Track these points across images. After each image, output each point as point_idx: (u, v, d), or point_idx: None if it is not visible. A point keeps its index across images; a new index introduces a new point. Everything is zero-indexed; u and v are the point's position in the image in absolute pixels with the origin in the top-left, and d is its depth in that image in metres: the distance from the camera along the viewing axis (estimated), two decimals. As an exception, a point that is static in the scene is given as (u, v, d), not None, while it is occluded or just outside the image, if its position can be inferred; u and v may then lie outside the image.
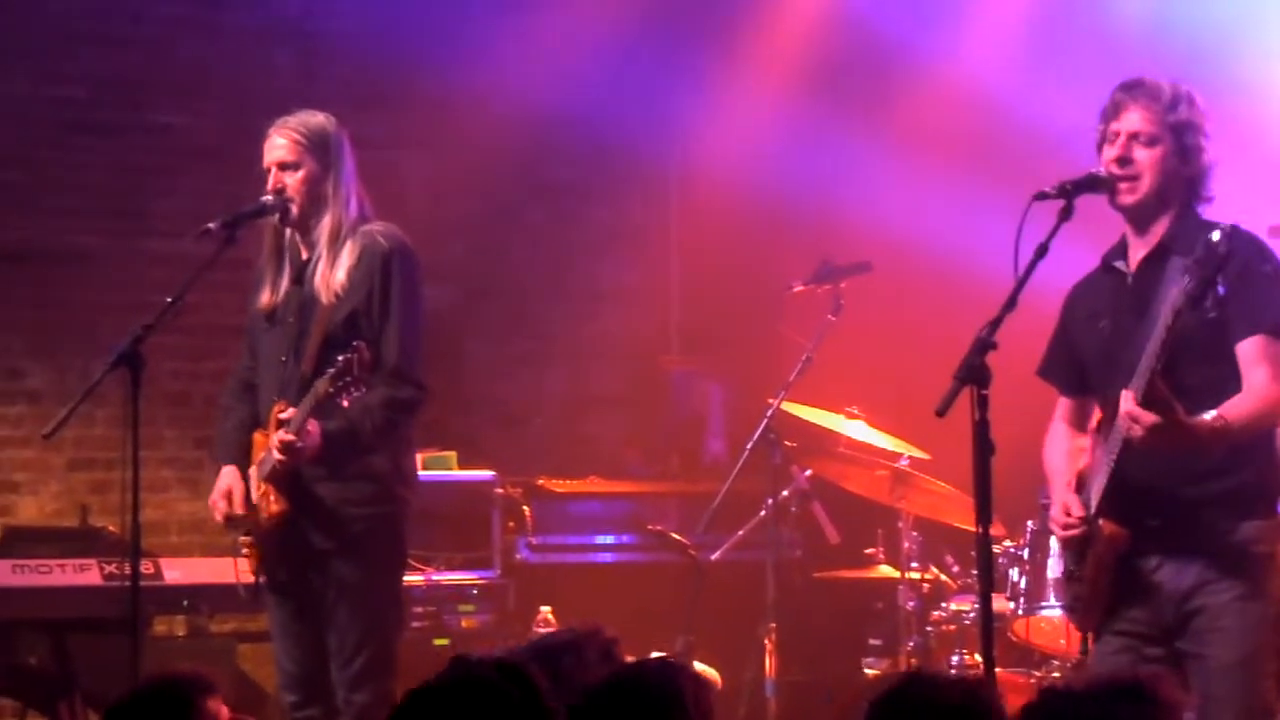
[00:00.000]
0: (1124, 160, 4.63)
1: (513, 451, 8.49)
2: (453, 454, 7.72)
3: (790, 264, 7.38)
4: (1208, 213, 4.68)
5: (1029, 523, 6.12)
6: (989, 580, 4.35)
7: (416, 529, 5.74)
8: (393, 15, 8.62)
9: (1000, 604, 6.09)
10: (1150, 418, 4.32)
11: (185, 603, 6.83)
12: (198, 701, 3.72)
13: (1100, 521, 4.57)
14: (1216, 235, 4.20)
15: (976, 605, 6.45)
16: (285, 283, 5.57)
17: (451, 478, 7.63)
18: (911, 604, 6.80)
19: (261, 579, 5.56)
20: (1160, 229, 4.66)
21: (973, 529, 4.40)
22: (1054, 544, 5.82)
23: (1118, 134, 4.65)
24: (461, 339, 8.86)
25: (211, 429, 5.78)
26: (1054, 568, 5.93)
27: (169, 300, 5.46)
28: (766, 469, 6.97)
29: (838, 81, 8.40)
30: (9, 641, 6.75)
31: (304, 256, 5.56)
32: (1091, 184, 4.62)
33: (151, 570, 6.71)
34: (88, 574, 6.68)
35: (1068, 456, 4.84)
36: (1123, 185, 4.64)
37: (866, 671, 7.05)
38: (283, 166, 5.52)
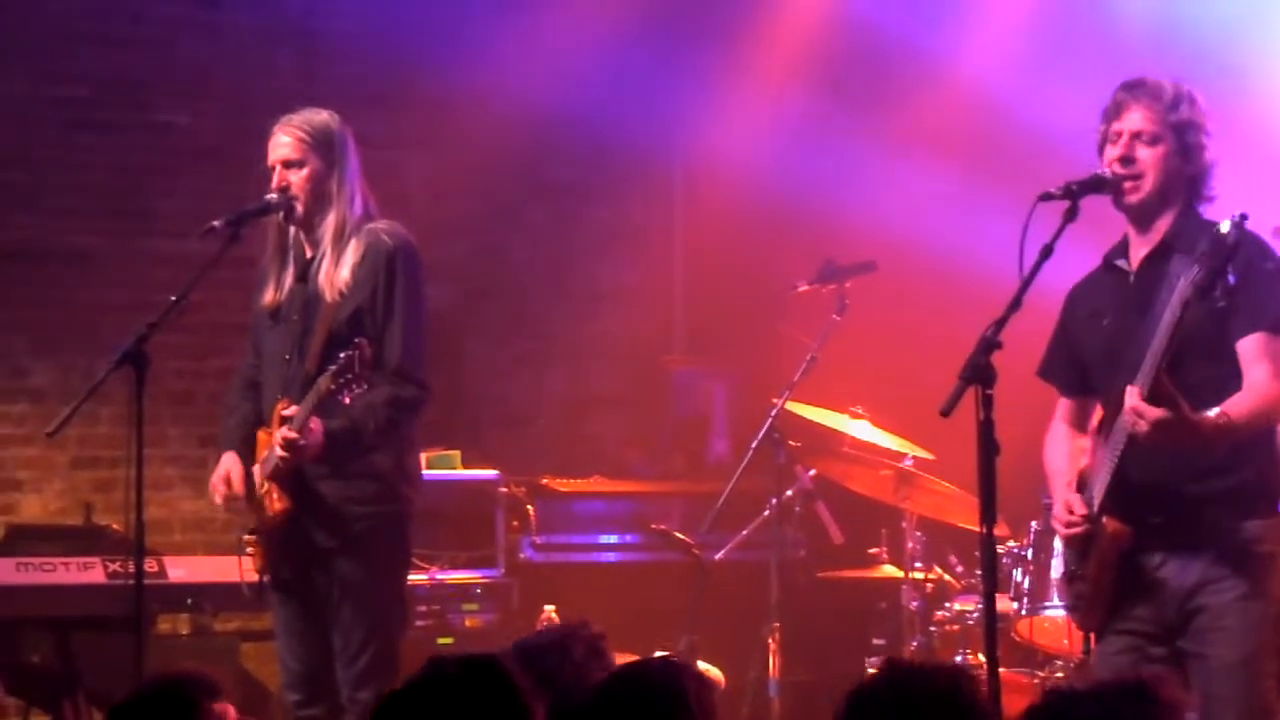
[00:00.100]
0: (1126, 159, 4.64)
1: (516, 451, 8.49)
2: (457, 453, 7.72)
3: (794, 264, 7.37)
4: (1209, 212, 4.69)
5: (1033, 523, 6.12)
6: (993, 580, 4.34)
7: (421, 528, 5.74)
8: (393, 15, 8.62)
9: (1004, 604, 6.08)
10: (1156, 413, 4.32)
11: (189, 601, 6.85)
12: (203, 704, 3.68)
13: (1103, 519, 4.57)
14: (1226, 225, 4.21)
15: (980, 605, 6.44)
16: (289, 281, 5.57)
17: (456, 477, 7.64)
18: (915, 604, 6.79)
19: (265, 577, 5.56)
20: (1162, 227, 4.67)
21: (976, 529, 4.40)
22: (1057, 544, 5.81)
23: (1120, 133, 4.66)
24: (463, 339, 8.85)
25: (215, 427, 5.79)
26: (1057, 568, 5.93)
27: (173, 299, 5.47)
28: (771, 469, 6.97)
29: (841, 81, 8.40)
30: (13, 640, 6.75)
31: (308, 254, 5.56)
32: (1097, 185, 4.63)
33: (155, 569, 6.72)
34: (91, 572, 6.69)
35: (1068, 457, 4.85)
36: (1126, 185, 4.65)
37: (870, 671, 7.04)
38: (287, 164, 5.52)
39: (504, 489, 7.68)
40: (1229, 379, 4.52)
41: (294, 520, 5.43)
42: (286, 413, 5.37)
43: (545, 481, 8.01)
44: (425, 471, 6.62)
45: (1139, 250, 4.71)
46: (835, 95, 8.38)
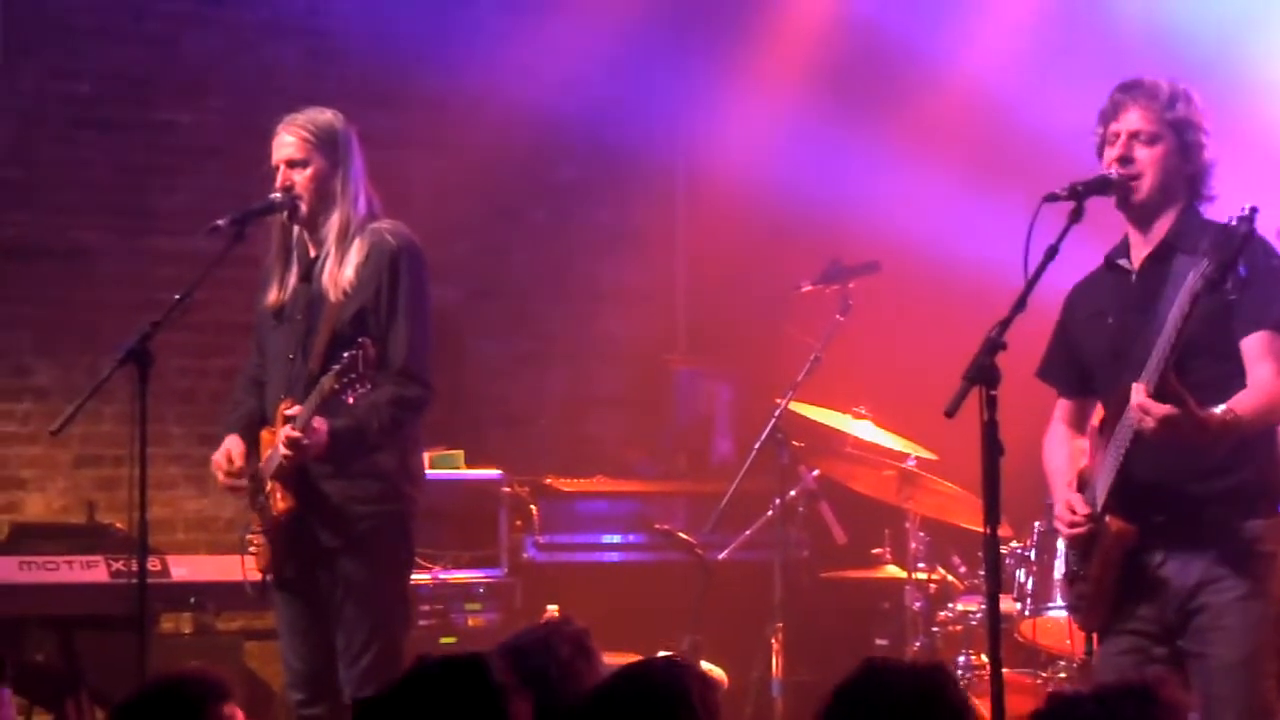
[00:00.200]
0: (1125, 160, 4.64)
1: (519, 451, 8.49)
2: (460, 453, 7.72)
3: (797, 264, 7.37)
4: (1210, 211, 4.70)
5: (1036, 523, 6.12)
6: (997, 581, 4.33)
7: (424, 527, 5.74)
8: (397, 14, 8.62)
9: (1007, 605, 6.08)
10: (1162, 409, 4.32)
11: (192, 600, 6.84)
12: (211, 707, 3.63)
13: (1107, 518, 4.57)
14: (1235, 219, 4.21)
15: (983, 606, 6.44)
16: (293, 280, 5.57)
17: (459, 476, 7.64)
18: (918, 604, 6.79)
19: (268, 576, 5.56)
20: (1164, 227, 4.67)
21: (979, 530, 4.40)
22: (1060, 545, 5.81)
23: (1118, 134, 4.67)
24: (466, 338, 8.85)
25: (218, 426, 5.78)
26: (1060, 568, 5.92)
27: (177, 297, 5.46)
28: (774, 469, 6.97)
29: (844, 82, 8.40)
30: (16, 639, 6.74)
31: (312, 254, 5.56)
32: (1102, 186, 4.63)
33: (158, 567, 6.72)
34: (95, 571, 6.68)
35: (1068, 457, 4.85)
36: (1129, 184, 4.65)
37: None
38: (291, 164, 5.52)
39: (507, 489, 7.68)
40: (1233, 377, 4.52)
41: (298, 519, 5.43)
42: (290, 412, 5.37)
43: (548, 481, 8.01)
44: (428, 471, 6.61)
45: (1141, 250, 4.71)
46: (838, 96, 8.37)
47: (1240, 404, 4.44)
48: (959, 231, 7.65)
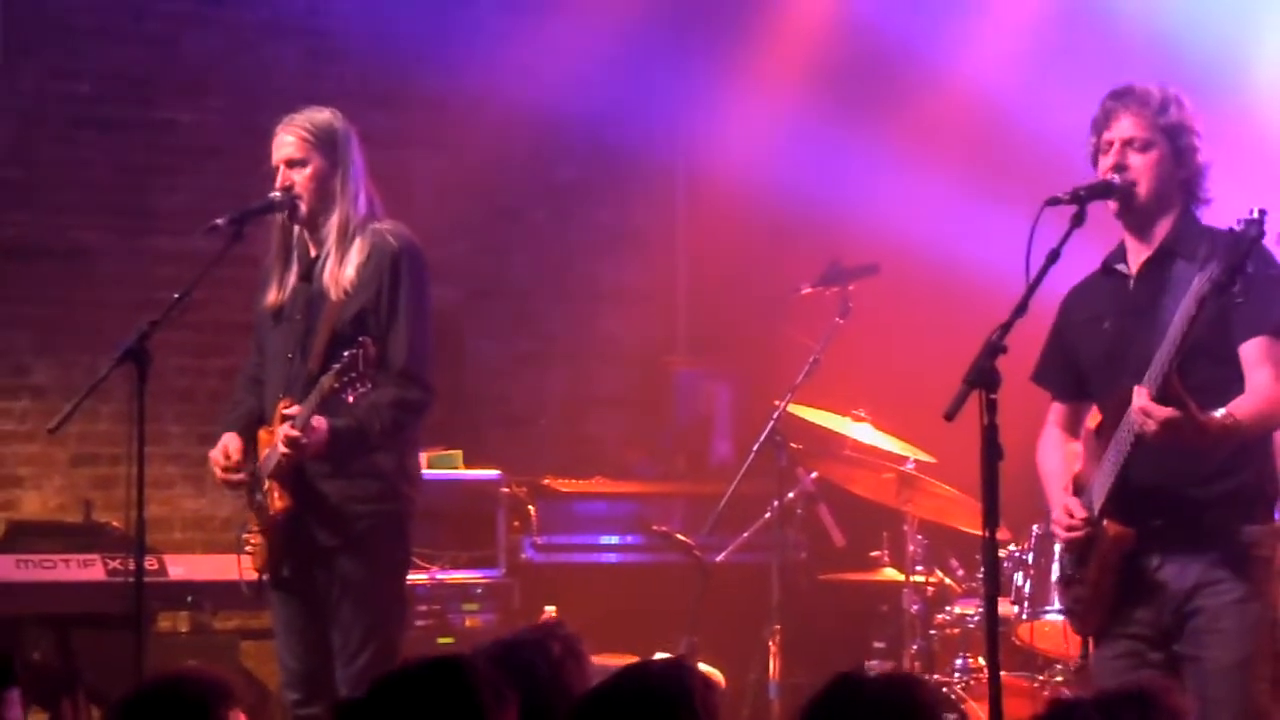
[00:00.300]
0: (1120, 167, 4.64)
1: (518, 451, 8.49)
2: (458, 453, 7.72)
3: (797, 266, 7.36)
4: (1206, 215, 4.70)
5: (1034, 527, 6.11)
6: (995, 584, 4.33)
7: (422, 527, 5.74)
8: (397, 14, 8.62)
9: (1004, 608, 6.07)
10: (1165, 412, 4.32)
11: (189, 599, 6.84)
12: (216, 713, 3.52)
13: (1104, 522, 4.57)
14: (1243, 222, 4.20)
15: (981, 609, 6.44)
16: (293, 280, 5.57)
17: (457, 476, 7.64)
18: (916, 607, 6.78)
19: (265, 576, 5.55)
20: (1161, 233, 4.68)
21: (978, 533, 4.39)
22: (1059, 548, 5.81)
23: (1111, 142, 4.67)
24: (465, 339, 8.85)
25: (216, 426, 5.78)
26: (1057, 572, 5.92)
27: (176, 296, 5.47)
28: (772, 471, 6.96)
29: (845, 84, 8.39)
30: (12, 637, 6.74)
31: (312, 254, 5.56)
32: (1105, 191, 4.63)
33: (155, 566, 6.72)
34: (92, 570, 6.68)
35: (1063, 461, 4.85)
36: (1131, 190, 4.65)
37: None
38: (290, 164, 5.52)
39: (505, 489, 7.68)
40: (1232, 381, 4.52)
41: (295, 519, 5.43)
42: (289, 411, 5.37)
43: (547, 482, 8.01)
44: (427, 471, 6.63)
45: (1138, 255, 4.71)
46: (839, 98, 8.37)
47: (1239, 408, 4.44)
48: (959, 234, 7.65)
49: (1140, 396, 4.36)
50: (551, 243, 9.15)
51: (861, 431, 6.98)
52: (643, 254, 9.25)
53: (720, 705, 3.51)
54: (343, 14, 8.66)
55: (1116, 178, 4.64)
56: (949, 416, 4.22)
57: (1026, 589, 6.12)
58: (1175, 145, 4.65)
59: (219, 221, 5.51)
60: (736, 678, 7.05)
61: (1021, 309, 4.36)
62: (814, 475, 7.09)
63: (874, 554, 7.22)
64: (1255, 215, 4.23)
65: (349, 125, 5.58)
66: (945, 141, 7.95)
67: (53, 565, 6.67)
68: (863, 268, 6.98)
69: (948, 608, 6.89)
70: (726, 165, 8.73)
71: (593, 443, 8.97)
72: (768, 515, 7.01)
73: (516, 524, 7.72)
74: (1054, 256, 4.40)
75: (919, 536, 6.86)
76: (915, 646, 6.75)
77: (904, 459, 6.90)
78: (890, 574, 7.09)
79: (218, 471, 5.60)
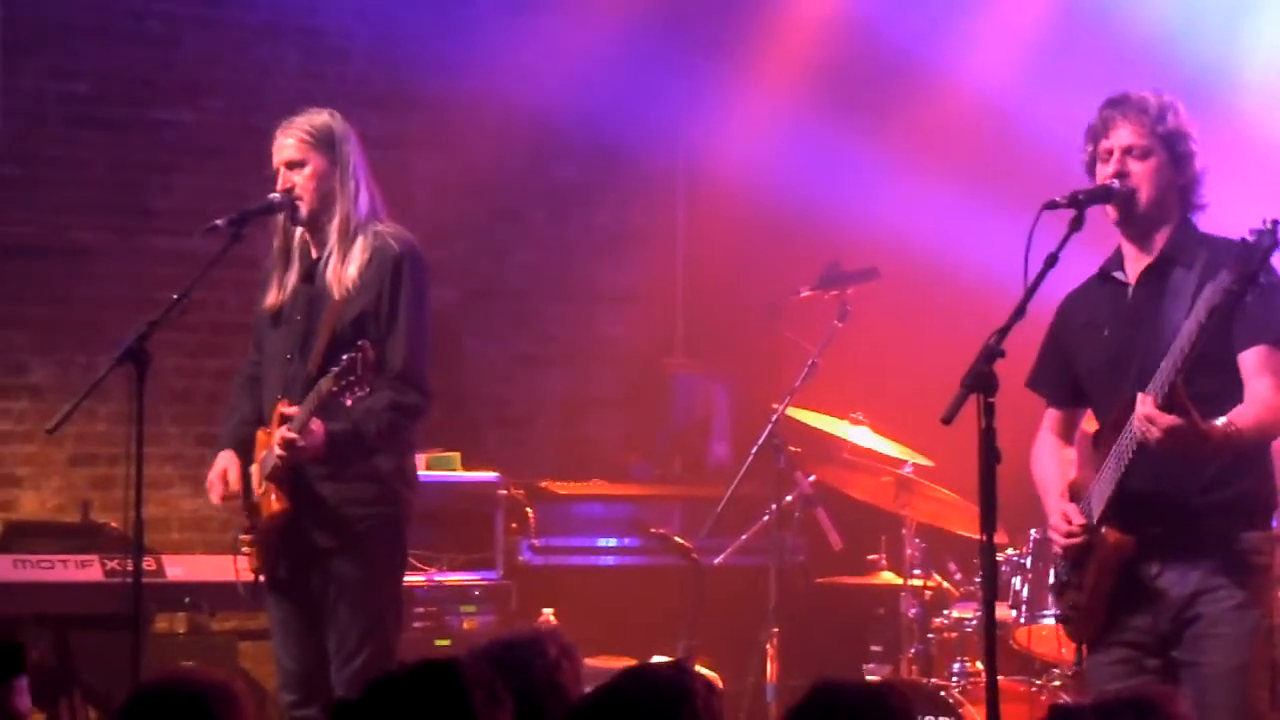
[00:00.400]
0: (1121, 175, 4.64)
1: (515, 453, 8.49)
2: (456, 455, 7.71)
3: (796, 269, 7.37)
4: (1202, 220, 4.71)
5: (1032, 531, 6.11)
6: (993, 588, 4.33)
7: (419, 529, 5.74)
8: (397, 15, 8.62)
9: (1002, 612, 6.07)
10: (1169, 420, 4.31)
11: (187, 600, 6.83)
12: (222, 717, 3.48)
13: (1104, 530, 4.57)
14: (1255, 232, 4.19)
15: (978, 613, 6.44)
16: (293, 281, 5.56)
17: (455, 478, 7.63)
18: (913, 611, 6.79)
19: (261, 577, 5.55)
20: (1160, 240, 4.67)
21: (976, 536, 4.39)
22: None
23: (1111, 150, 4.66)
24: (463, 340, 8.85)
25: (215, 426, 5.79)
26: (1054, 577, 5.92)
27: (175, 297, 5.46)
28: (770, 474, 6.97)
29: (844, 86, 8.40)
30: (11, 636, 6.73)
31: (314, 255, 5.56)
32: (1104, 195, 4.63)
33: (153, 567, 6.71)
34: (89, 570, 6.67)
35: (1058, 467, 4.85)
36: (1133, 196, 4.64)
37: (868, 678, 7.04)
38: (290, 165, 5.53)
39: (503, 491, 7.67)
40: (1232, 389, 4.52)
41: (292, 521, 5.42)
42: (287, 412, 5.36)
43: (544, 484, 8.01)
44: (425, 473, 6.63)
45: (1137, 262, 4.71)
46: (838, 101, 8.37)
47: (1241, 417, 4.44)
48: (957, 238, 7.65)
49: (1145, 404, 4.35)
50: (551, 244, 9.14)
51: (859, 435, 6.98)
52: (641, 255, 9.24)
53: (722, 708, 3.52)
54: (342, 14, 8.66)
55: (1116, 183, 4.63)
56: (947, 420, 4.21)
57: (1024, 593, 6.12)
58: (1173, 152, 4.65)
59: (218, 222, 5.51)
60: (734, 681, 7.03)
61: (1020, 313, 4.36)
62: (812, 478, 7.09)
63: (872, 557, 7.21)
64: (1268, 226, 4.21)
65: (347, 126, 5.58)
66: (944, 145, 7.95)
67: (50, 565, 6.66)
68: (861, 271, 6.98)
69: (945, 611, 6.89)
70: (726, 167, 8.73)
71: (590, 445, 8.97)
72: (765, 518, 7.02)
73: (514, 526, 7.71)
74: (1052, 260, 4.39)
75: (917, 540, 6.86)
76: (913, 650, 6.75)
77: (902, 462, 6.90)
78: (888, 577, 7.09)
79: (214, 498, 5.60)
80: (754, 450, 6.93)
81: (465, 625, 7.31)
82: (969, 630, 6.73)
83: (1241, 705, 4.53)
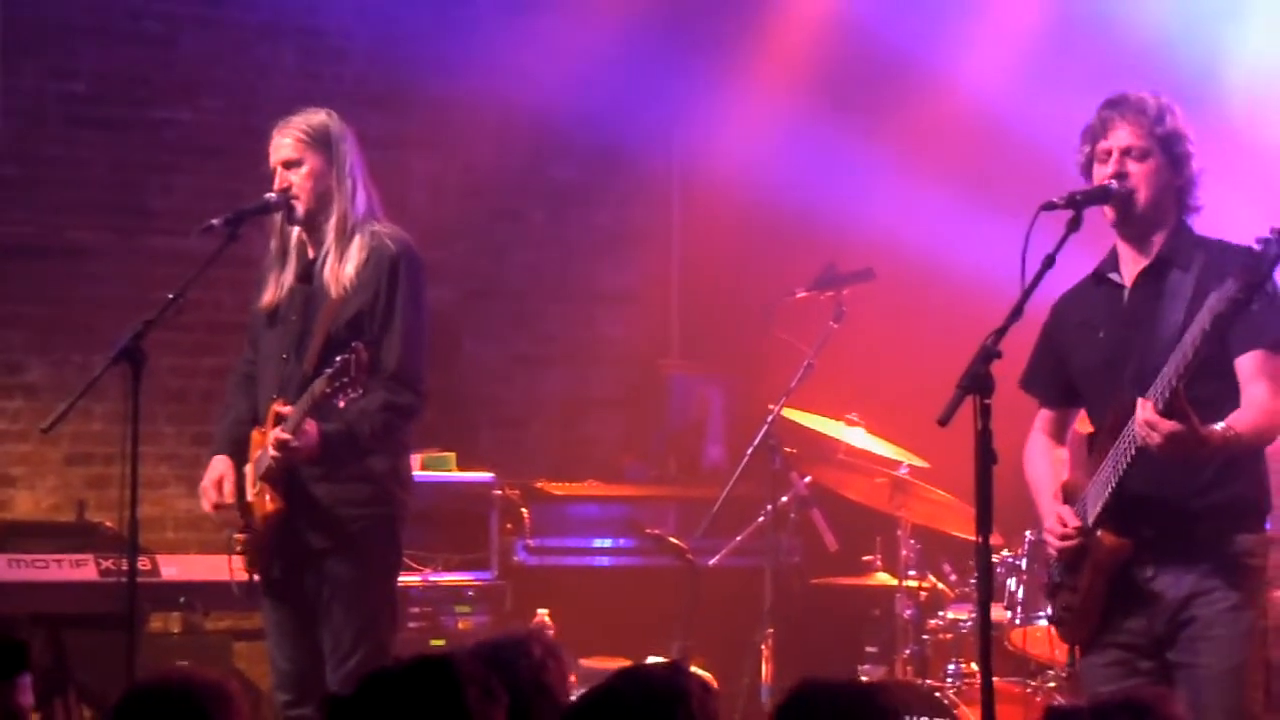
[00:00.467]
0: (1120, 175, 4.64)
1: (511, 454, 8.49)
2: (452, 455, 7.71)
3: (792, 270, 7.37)
4: (1197, 222, 4.71)
5: (1027, 532, 6.11)
6: (988, 589, 4.34)
7: (414, 529, 5.74)
8: (397, 14, 8.62)
9: (997, 613, 6.07)
10: (1169, 425, 4.32)
11: (181, 600, 6.82)
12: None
13: (1099, 532, 4.57)
14: (1262, 240, 4.19)
15: (973, 614, 6.44)
16: (289, 281, 5.56)
17: (450, 479, 7.63)
18: (909, 612, 6.78)
19: (256, 577, 5.55)
20: (1157, 242, 4.67)
21: (971, 538, 4.40)
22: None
23: (1109, 151, 4.66)
24: (460, 340, 8.85)
25: (210, 426, 5.78)
26: (1047, 579, 5.92)
27: (171, 296, 5.45)
28: (766, 475, 6.96)
29: (841, 88, 8.40)
30: (5, 636, 6.73)
31: (310, 255, 5.56)
32: (1102, 196, 4.63)
33: (148, 566, 6.70)
34: (84, 569, 6.67)
35: (1051, 468, 4.85)
36: (1131, 197, 4.65)
37: (863, 679, 7.04)
38: (287, 165, 5.53)
39: (498, 491, 7.67)
40: (1229, 394, 4.52)
41: (286, 521, 5.42)
42: (282, 412, 5.36)
43: (540, 485, 8.01)
44: (420, 473, 6.61)
45: (1133, 264, 4.71)
46: (835, 102, 8.38)
47: (1239, 422, 4.45)
48: (953, 240, 7.66)
49: (1145, 409, 4.36)
50: (548, 244, 9.15)
51: (855, 436, 6.98)
52: (638, 256, 9.25)
53: (717, 709, 3.52)
54: (341, 14, 8.67)
55: (1114, 184, 4.63)
56: (943, 421, 4.21)
57: (1019, 594, 6.11)
58: (1171, 154, 4.65)
59: (214, 222, 5.50)
60: (728, 682, 7.03)
61: (1017, 314, 4.36)
62: (807, 479, 7.09)
63: (867, 558, 7.21)
64: (1275, 235, 4.20)
65: (344, 125, 5.58)
66: (940, 147, 7.96)
67: (45, 565, 6.66)
68: (857, 273, 6.98)
69: (940, 612, 6.89)
70: (722, 168, 8.73)
71: (585, 445, 8.97)
72: (761, 519, 7.02)
73: (509, 526, 7.71)
74: (1049, 262, 4.39)
75: (912, 541, 6.86)
76: (908, 651, 6.75)
77: (897, 464, 6.90)
78: (883, 579, 7.09)
79: (207, 506, 5.60)
80: (749, 451, 6.93)
81: (460, 626, 7.31)
82: (964, 631, 6.73)
83: (1236, 707, 4.53)
